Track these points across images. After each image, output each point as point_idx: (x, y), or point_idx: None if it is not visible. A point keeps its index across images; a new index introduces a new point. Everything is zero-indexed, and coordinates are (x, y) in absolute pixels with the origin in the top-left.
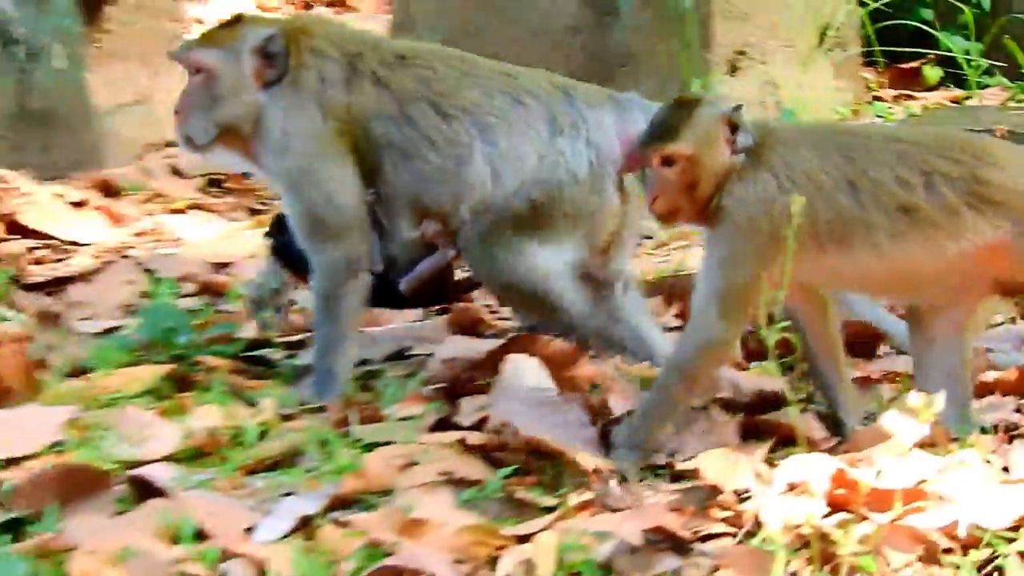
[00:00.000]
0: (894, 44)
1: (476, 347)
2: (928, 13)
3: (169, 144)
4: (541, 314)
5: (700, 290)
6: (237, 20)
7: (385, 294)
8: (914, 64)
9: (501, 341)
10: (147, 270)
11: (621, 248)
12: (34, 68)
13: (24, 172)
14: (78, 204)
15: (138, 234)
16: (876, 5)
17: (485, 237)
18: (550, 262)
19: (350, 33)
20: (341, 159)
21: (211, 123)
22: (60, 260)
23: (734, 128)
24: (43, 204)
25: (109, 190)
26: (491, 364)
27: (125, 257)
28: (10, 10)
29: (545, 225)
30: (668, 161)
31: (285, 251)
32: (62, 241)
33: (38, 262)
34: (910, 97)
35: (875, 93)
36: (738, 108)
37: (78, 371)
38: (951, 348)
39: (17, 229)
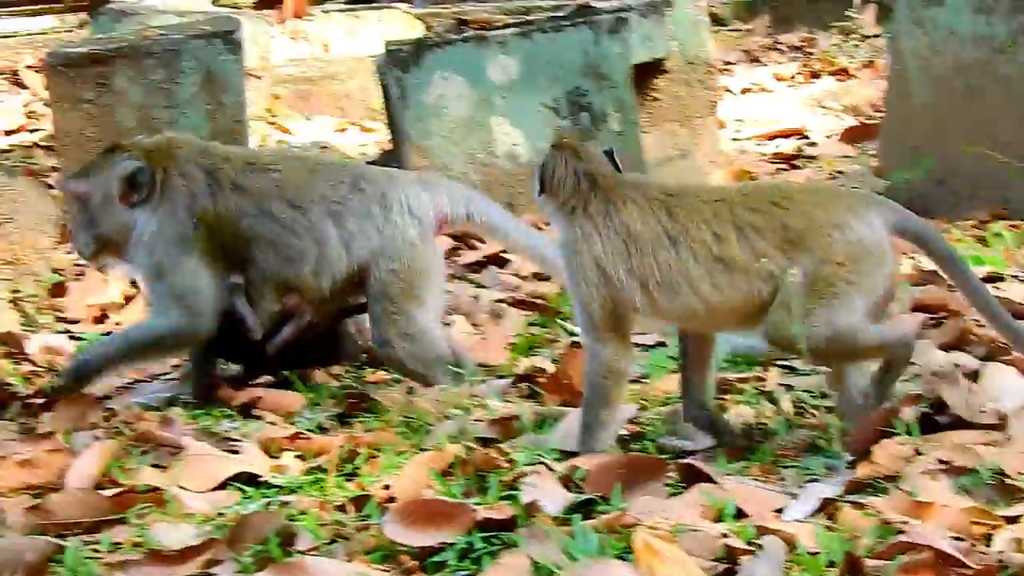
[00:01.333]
0: None
1: (963, 360)
2: None
3: None
4: (427, 366)
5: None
6: (111, 150)
7: (253, 356)
8: None
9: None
10: None
11: None
12: (598, 131)
13: None
14: None
15: None
16: None
17: (380, 317)
18: (430, 321)
19: (206, 149)
20: (202, 258)
21: (90, 238)
22: None
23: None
24: None
25: None
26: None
27: None
28: (585, 86)
29: (414, 288)
30: None
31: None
32: None
33: None
34: None
35: None
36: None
37: (636, 377)
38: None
39: None
